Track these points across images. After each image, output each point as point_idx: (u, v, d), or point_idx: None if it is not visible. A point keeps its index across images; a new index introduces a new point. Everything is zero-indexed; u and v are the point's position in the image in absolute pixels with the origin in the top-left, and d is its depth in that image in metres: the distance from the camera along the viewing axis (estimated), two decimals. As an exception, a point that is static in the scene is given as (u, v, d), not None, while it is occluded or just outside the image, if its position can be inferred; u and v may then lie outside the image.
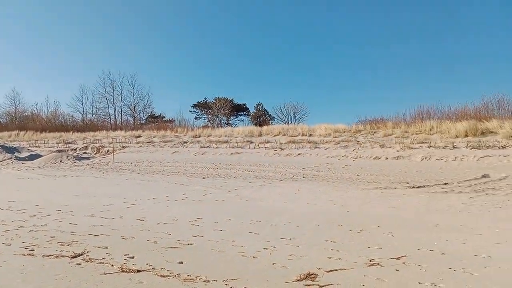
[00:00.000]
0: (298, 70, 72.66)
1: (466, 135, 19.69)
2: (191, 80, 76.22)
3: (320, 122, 28.60)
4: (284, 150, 23.26)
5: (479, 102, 24.66)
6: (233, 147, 25.15)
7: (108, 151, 27.28)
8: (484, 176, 13.01)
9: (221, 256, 4.40)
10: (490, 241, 5.09)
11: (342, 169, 16.96)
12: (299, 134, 26.53)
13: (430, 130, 21.86)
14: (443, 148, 18.80)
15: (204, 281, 3.48)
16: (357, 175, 14.81)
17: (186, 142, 27.95)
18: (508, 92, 28.85)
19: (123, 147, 28.41)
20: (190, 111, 53.52)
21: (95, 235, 5.44)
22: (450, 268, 3.81)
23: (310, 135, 25.80)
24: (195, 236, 5.45)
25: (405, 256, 4.27)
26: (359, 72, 69.93)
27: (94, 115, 48.56)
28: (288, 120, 46.63)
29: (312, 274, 3.65)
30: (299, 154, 22.22)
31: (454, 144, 18.98)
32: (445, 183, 11.83)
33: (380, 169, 16.23)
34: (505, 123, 19.59)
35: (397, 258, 4.17)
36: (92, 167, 20.39)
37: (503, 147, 17.50)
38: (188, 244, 4.92)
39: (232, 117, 51.22)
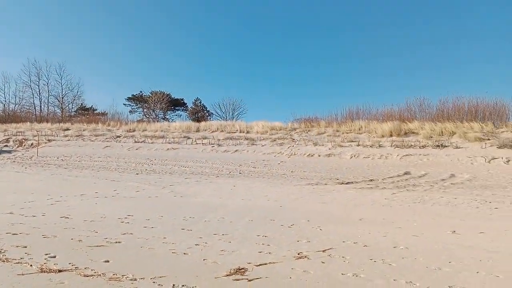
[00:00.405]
0: (237, 68, 72.81)
1: (391, 135, 21.10)
2: (127, 73, 73.22)
3: (257, 119, 28.94)
4: (221, 147, 23.24)
5: (403, 104, 26.49)
6: (169, 143, 24.60)
7: (32, 144, 25.35)
8: (406, 173, 14.05)
9: (150, 253, 4.30)
10: (408, 233, 5.51)
11: (278, 165, 17.35)
12: (237, 130, 26.64)
13: (359, 129, 23.09)
14: (371, 146, 19.97)
15: (131, 280, 3.38)
16: (292, 172, 15.25)
17: (119, 137, 26.82)
18: (428, 96, 31.31)
19: (49, 140, 26.53)
20: (124, 105, 51.22)
21: (13, 234, 5.04)
22: (371, 260, 4.07)
23: (248, 132, 26.02)
24: (124, 233, 5.27)
25: (331, 248, 4.49)
26: (299, 71, 71.68)
27: (17, 106, 44.74)
28: (226, 117, 46.62)
29: (242, 269, 3.70)
30: (236, 150, 22.33)
31: (380, 143, 20.23)
32: (371, 180, 12.59)
33: (313, 166, 16.84)
34: (425, 124, 21.29)
35: (323, 251, 4.37)
36: (14, 161, 18.86)
37: (423, 146, 19.00)
38: (116, 242, 4.74)
39: (169, 112, 49.92)
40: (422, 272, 3.65)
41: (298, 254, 4.27)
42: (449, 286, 3.23)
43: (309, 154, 20.12)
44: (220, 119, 45.38)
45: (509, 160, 15.44)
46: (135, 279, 3.39)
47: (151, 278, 3.41)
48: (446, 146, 18.52)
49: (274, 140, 23.34)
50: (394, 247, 4.64)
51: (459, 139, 19.15)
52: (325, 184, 11.86)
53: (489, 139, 18.43)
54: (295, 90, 69.55)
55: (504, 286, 3.31)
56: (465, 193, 10.01)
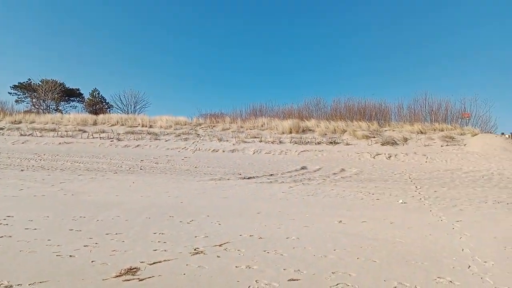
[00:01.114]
0: (140, 59, 69.78)
1: (291, 132, 22.21)
2: (11, 58, 65.18)
3: (161, 113, 28.13)
4: (121, 141, 22.08)
5: (302, 103, 28.11)
6: (62, 136, 22.60)
7: None
8: (303, 168, 14.90)
9: (31, 257, 3.90)
10: (300, 225, 5.85)
11: (181, 161, 17.06)
12: (139, 124, 25.55)
13: (262, 126, 23.87)
14: (272, 142, 20.77)
15: (6, 287, 3.03)
16: (195, 167, 15.12)
17: (2, 129, 23.85)
18: (324, 96, 33.73)
19: None
20: (10, 93, 45.63)
21: None
22: (264, 251, 4.23)
23: (151, 127, 25.14)
24: (1, 236, 4.70)
25: (227, 242, 4.56)
26: (203, 67, 71.28)
27: None
28: (128, 110, 44.15)
29: (133, 269, 3.56)
30: (138, 145, 21.43)
31: (281, 139, 21.18)
32: (271, 174, 13.09)
33: (217, 161, 16.92)
34: (321, 122, 22.86)
35: (219, 245, 4.41)
36: None
37: (319, 143, 20.36)
38: (-11, 248, 4.20)
39: (62, 103, 45.71)
40: (310, 260, 3.90)
41: (195, 250, 4.25)
42: (332, 272, 3.50)
43: (214, 150, 20.18)
44: (121, 112, 42.88)
45: (390, 156, 17.34)
46: (11, 286, 3.05)
47: (29, 284, 3.10)
48: (338, 143, 20.11)
49: (179, 135, 22.94)
50: (287, 238, 4.89)
51: (350, 136, 20.95)
52: (228, 179, 12.00)
53: (374, 137, 20.49)
54: (202, 85, 69.15)
55: (378, 269, 3.70)
56: (353, 186, 10.98)
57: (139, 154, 18.77)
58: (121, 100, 44.11)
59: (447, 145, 19.24)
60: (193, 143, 21.60)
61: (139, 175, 12.79)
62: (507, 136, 23.57)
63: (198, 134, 23.16)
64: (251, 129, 23.74)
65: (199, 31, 71.17)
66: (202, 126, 25.05)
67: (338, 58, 68.61)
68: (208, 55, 70.46)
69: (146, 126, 25.13)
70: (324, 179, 12.21)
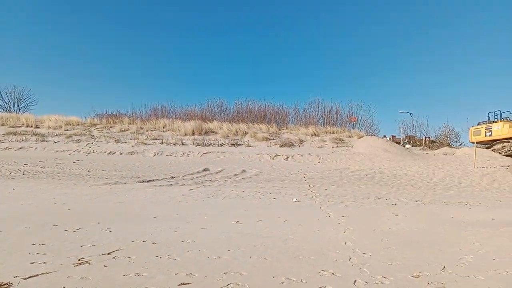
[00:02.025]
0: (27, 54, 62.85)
1: (193, 134, 22.02)
2: None
3: (50, 113, 25.60)
4: (2, 143, 19.63)
5: (205, 105, 28.12)
6: None
7: None
8: (205, 169, 14.86)
9: None
10: (197, 227, 5.80)
11: (73, 164, 15.77)
12: (23, 124, 22.98)
13: (164, 127, 23.25)
14: (174, 144, 20.35)
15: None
16: (88, 171, 14.10)
17: None
18: (227, 98, 34.15)
19: None
20: None
21: None
22: (157, 257, 4.09)
23: (37, 127, 22.78)
24: None
25: (117, 250, 4.30)
26: (95, 65, 66.93)
27: None
28: (10, 108, 39.40)
29: (4, 284, 3.16)
30: (21, 147, 19.25)
31: (183, 141, 20.86)
32: (172, 177, 12.81)
33: (114, 164, 15.99)
34: (223, 124, 23.10)
35: (108, 254, 4.15)
36: None
37: (221, 145, 20.51)
38: None
39: None
40: (203, 262, 3.88)
41: (79, 260, 3.93)
42: (224, 273, 3.52)
43: (110, 152, 19.05)
44: (2, 110, 38.05)
45: (287, 157, 18.22)
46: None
47: None
48: (240, 145, 20.52)
49: (70, 137, 21.18)
50: (182, 241, 4.81)
51: (251, 138, 21.52)
52: (125, 183, 11.42)
53: (273, 139, 21.35)
54: (97, 83, 64.91)
55: (269, 266, 3.83)
56: (252, 186, 11.28)
57: (23, 157, 16.88)
58: (1, 97, 39.17)
59: (337, 146, 20.90)
60: (86, 145, 20.12)
61: (22, 180, 11.49)
62: (387, 138, 26.49)
63: (93, 136, 21.65)
64: (152, 130, 22.97)
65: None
66: (97, 127, 23.48)
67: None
68: (103, 55, 66.45)
69: (31, 126, 22.73)
70: (225, 181, 12.33)
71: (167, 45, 72.69)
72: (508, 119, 21.40)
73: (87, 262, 3.85)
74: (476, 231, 6.00)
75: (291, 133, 23.12)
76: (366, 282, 3.37)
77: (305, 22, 75.16)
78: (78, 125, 23.42)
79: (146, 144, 20.42)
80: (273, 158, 18.12)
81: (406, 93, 67.19)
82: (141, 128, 23.19)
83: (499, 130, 21.24)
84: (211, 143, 20.63)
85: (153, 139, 21.16)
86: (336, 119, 27.14)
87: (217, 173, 14.24)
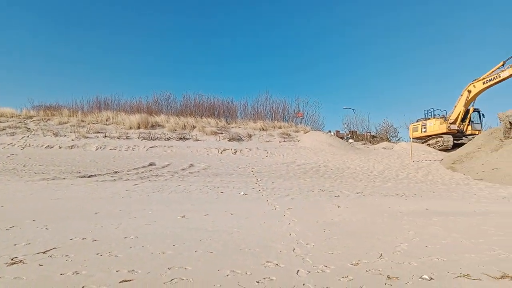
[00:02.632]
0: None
1: (139, 127, 21.40)
2: None
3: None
4: None
5: (151, 98, 27.33)
6: None
7: None
8: (151, 164, 14.50)
9: None
10: (141, 223, 5.65)
11: (7, 159, 14.73)
12: None
13: (107, 120, 22.36)
14: (118, 138, 19.64)
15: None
16: (24, 166, 13.24)
17: None
18: (174, 92, 33.51)
19: None
20: None
21: None
22: (97, 254, 3.93)
23: (-36, 119, 20.99)
24: None
25: (54, 248, 4.08)
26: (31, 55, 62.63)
27: None
28: None
29: None
30: None
31: (128, 135, 20.19)
32: (116, 172, 12.37)
33: (52, 159, 15.13)
34: (171, 118, 22.66)
35: (44, 252, 3.92)
36: None
37: (168, 139, 20.12)
38: None
39: None
40: (147, 258, 3.79)
41: (12, 259, 3.68)
42: (168, 268, 3.47)
43: (48, 146, 18.00)
44: None
45: (236, 151, 18.28)
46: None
47: None
48: (188, 139, 20.26)
49: (3, 129, 19.72)
50: (125, 237, 4.66)
51: (199, 132, 21.33)
52: (64, 178, 10.84)
53: (222, 133, 21.31)
54: (34, 76, 60.82)
55: (214, 259, 3.83)
56: (200, 180, 11.20)
57: None
58: None
59: (284, 141, 21.31)
60: (22, 138, 18.85)
61: None
62: (332, 133, 27.44)
63: (29, 128, 20.32)
64: (94, 123, 21.99)
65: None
66: (34, 119, 22.07)
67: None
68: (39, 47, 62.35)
69: (-43, 118, 20.89)
70: (172, 175, 12.12)
71: (104, 38, 69.59)
72: (439, 116, 23.08)
73: (21, 261, 3.62)
74: (411, 221, 6.40)
75: (239, 127, 23.20)
76: (309, 272, 3.48)
77: (243, 15, 75.60)
78: (12, 117, 21.87)
79: (87, 137, 19.53)
80: (221, 152, 18.09)
81: (349, 89, 70.12)
82: (83, 121, 22.12)
83: (432, 126, 22.91)
84: (157, 137, 20.16)
85: (96, 133, 20.29)
86: (284, 114, 27.65)
87: (163, 167, 13.96)
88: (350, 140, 27.47)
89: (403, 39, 74.96)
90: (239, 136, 21.16)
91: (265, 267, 3.61)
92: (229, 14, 79.18)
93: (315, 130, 25.22)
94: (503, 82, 19.36)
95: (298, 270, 3.51)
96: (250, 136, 21.57)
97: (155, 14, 74.00)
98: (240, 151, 18.50)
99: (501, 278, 3.35)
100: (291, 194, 9.33)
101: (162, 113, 24.19)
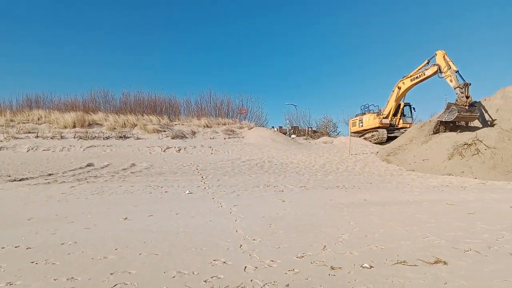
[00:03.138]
0: None
1: (75, 126, 20.26)
2: None
3: None
4: None
5: (88, 95, 25.90)
6: None
7: None
8: (88, 165, 13.78)
9: None
10: (79, 227, 5.35)
11: None
12: None
13: (39, 119, 20.91)
14: (52, 138, 18.45)
15: None
16: None
17: None
18: (113, 89, 32.15)
19: None
20: None
21: None
22: (32, 262, 3.67)
23: None
24: None
25: (-18, 260, 3.76)
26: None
27: None
28: None
29: None
30: None
31: (63, 134, 19.04)
32: (50, 174, 11.61)
33: (-24, 162, 13.87)
34: (109, 116, 21.70)
35: (-30, 265, 3.60)
36: None
37: (107, 138, 19.27)
38: None
39: None
40: (87, 264, 3.61)
41: None
42: (110, 273, 3.33)
43: (-29, 148, 16.46)
44: None
45: (180, 149, 17.95)
46: None
47: None
48: (128, 137, 19.54)
49: None
50: (62, 243, 4.40)
51: (140, 130, 20.66)
52: (-10, 183, 9.99)
53: (165, 131, 20.82)
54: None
55: (160, 261, 3.73)
56: (142, 180, 10.86)
57: None
58: None
59: (229, 137, 21.31)
60: None
61: None
62: (275, 129, 27.88)
63: None
64: (24, 123, 20.46)
65: None
66: (-47, 119, 20.07)
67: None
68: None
69: None
70: (112, 176, 11.63)
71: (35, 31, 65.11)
72: (374, 111, 24.40)
73: None
74: (351, 212, 6.70)
75: (183, 124, 22.82)
76: (256, 267, 3.51)
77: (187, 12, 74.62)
78: None
79: (17, 138, 18.14)
80: (164, 151, 17.66)
81: (292, 86, 71.72)
82: (12, 121, 20.49)
83: (367, 121, 24.19)
84: (95, 136, 19.21)
85: (26, 133, 18.90)
86: (228, 111, 27.59)
87: (103, 168, 13.35)
88: (293, 136, 28.09)
89: (342, 42, 78.44)
90: (183, 134, 20.80)
91: (212, 265, 3.59)
92: (171, 7, 77.44)
93: (259, 126, 25.46)
94: (428, 79, 20.69)
95: (245, 267, 3.54)
96: (194, 133, 21.30)
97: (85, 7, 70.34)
98: (184, 148, 18.18)
99: (434, 263, 3.61)
100: (237, 191, 9.35)
101: (100, 110, 23.05)
